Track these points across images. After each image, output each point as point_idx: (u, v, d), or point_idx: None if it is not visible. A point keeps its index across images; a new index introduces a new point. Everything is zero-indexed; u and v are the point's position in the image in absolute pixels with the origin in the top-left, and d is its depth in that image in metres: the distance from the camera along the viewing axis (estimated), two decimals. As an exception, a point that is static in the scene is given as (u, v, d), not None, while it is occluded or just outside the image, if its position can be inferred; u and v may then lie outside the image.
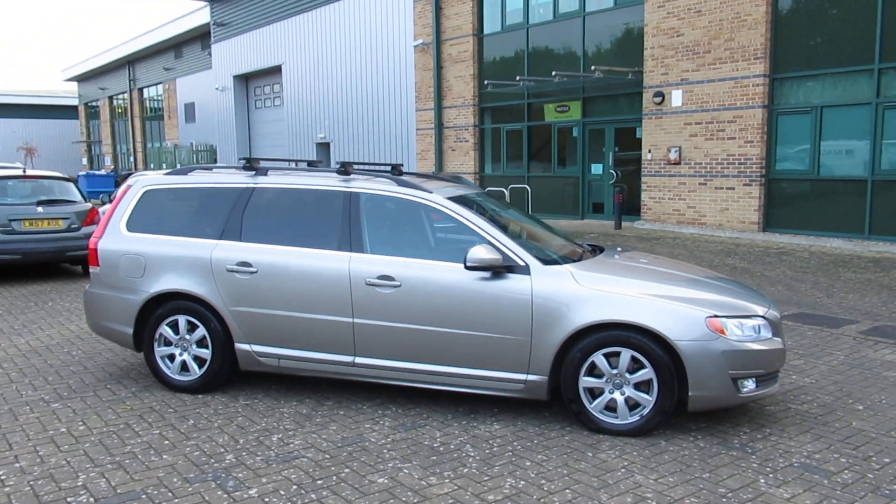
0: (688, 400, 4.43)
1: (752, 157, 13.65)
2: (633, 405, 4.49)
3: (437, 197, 4.94)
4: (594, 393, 4.56)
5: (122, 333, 5.41)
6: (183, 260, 5.20)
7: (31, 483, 3.81)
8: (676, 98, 14.67)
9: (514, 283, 4.60)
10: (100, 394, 5.27)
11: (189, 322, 5.22)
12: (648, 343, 4.39)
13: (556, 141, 17.82)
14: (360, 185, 5.10)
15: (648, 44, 15.05)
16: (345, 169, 5.25)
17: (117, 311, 5.38)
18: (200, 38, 34.35)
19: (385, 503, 3.62)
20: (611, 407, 4.53)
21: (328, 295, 4.88)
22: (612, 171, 16.30)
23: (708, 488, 3.80)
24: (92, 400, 5.14)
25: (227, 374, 5.24)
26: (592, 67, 15.02)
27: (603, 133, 16.77)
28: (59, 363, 6.07)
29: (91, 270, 5.49)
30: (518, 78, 16.88)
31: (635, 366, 4.45)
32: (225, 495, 3.68)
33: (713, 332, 4.37)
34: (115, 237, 5.44)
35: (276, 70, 27.45)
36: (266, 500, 3.63)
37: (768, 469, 4.04)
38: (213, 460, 4.11)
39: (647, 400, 4.44)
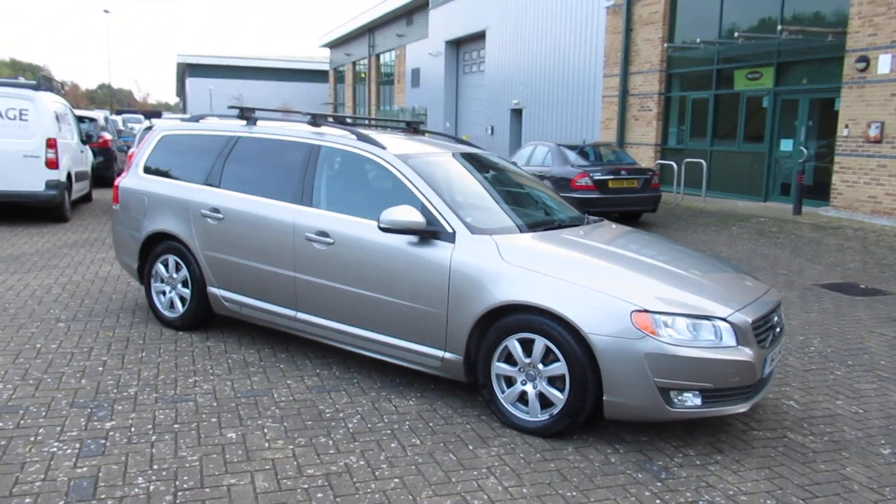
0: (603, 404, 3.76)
1: (972, 137, 11.06)
2: (546, 402, 3.91)
3: (388, 153, 4.63)
4: (511, 382, 4.04)
5: (131, 267, 5.85)
6: (173, 202, 5.46)
7: (-38, 386, 4.28)
8: (884, 64, 12.29)
9: (436, 250, 4.19)
10: (106, 320, 5.76)
11: (177, 262, 5.49)
12: (562, 332, 3.76)
13: (743, 112, 15.90)
14: (325, 138, 4.95)
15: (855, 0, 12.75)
16: (315, 121, 5.12)
17: (128, 246, 5.82)
18: (428, 5, 35.55)
19: (207, 456, 3.53)
20: (525, 400, 3.99)
21: (276, 246, 4.84)
22: (801, 147, 14.18)
23: (554, 508, 3.20)
24: (93, 324, 5.64)
25: (203, 314, 5.44)
26: (779, 28, 13.08)
27: (796, 104, 14.62)
28: (110, 290, 6.74)
29: (113, 207, 5.98)
30: (699, 40, 15.26)
31: (551, 358, 3.85)
32: (83, 422, 3.84)
33: (638, 330, 3.63)
34: (133, 178, 5.86)
35: (481, 35, 27.63)
36: (111, 433, 3.73)
37: (658, 502, 3.30)
38: (115, 391, 4.30)
39: (559, 398, 3.83)
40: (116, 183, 5.96)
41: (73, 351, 4.98)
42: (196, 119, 5.82)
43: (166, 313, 5.59)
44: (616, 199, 12.49)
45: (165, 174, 5.68)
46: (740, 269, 4.76)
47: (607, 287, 3.79)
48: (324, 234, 4.60)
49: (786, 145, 14.94)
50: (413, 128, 6.00)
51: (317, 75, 62.50)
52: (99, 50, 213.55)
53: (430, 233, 4.23)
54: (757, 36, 14.12)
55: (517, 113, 25.18)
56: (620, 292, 3.75)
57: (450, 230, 4.21)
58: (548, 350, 3.84)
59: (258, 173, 5.18)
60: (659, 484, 3.47)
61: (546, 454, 3.72)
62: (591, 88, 20.76)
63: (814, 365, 5.38)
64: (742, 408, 3.83)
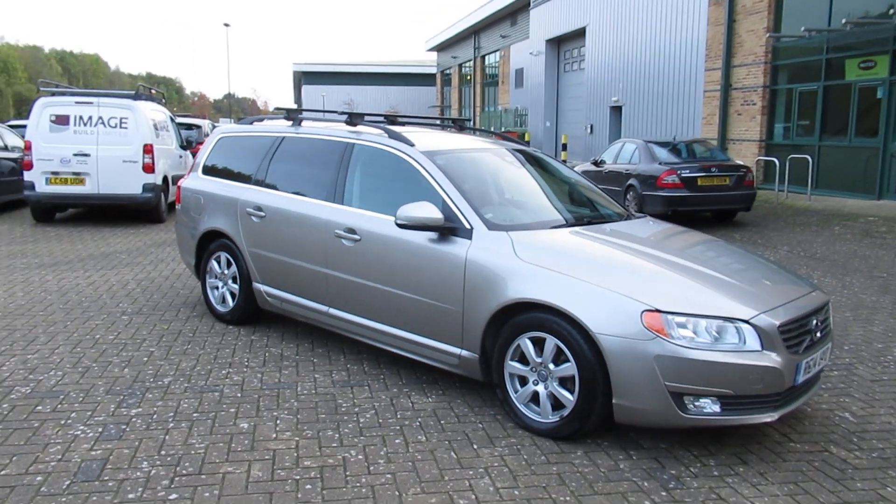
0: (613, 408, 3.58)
1: None
2: (558, 403, 3.77)
3: (414, 150, 4.62)
4: (524, 381, 3.93)
5: (190, 263, 6.14)
6: (224, 201, 5.69)
7: (12, 370, 4.61)
8: None
9: (454, 246, 4.15)
10: (167, 314, 6.07)
11: (228, 259, 5.72)
12: (572, 332, 3.62)
13: (855, 104, 14.75)
14: (359, 136, 5.00)
15: (980, -25, 11.54)
16: (352, 120, 5.18)
17: (187, 243, 6.11)
18: (529, 4, 35.28)
19: (214, 444, 3.64)
20: (538, 400, 3.87)
21: (310, 243, 4.94)
22: (920, 141, 13.00)
23: (541, 513, 3.07)
24: (153, 317, 5.96)
25: (251, 309, 5.63)
26: (890, 11, 12.04)
27: (915, 93, 13.41)
28: (179, 286, 7.10)
29: (176, 207, 6.30)
30: (803, 29, 14.29)
31: (562, 358, 3.72)
32: (112, 408, 4.05)
33: (648, 331, 3.44)
34: (194, 179, 6.16)
35: (580, 33, 27.12)
36: (134, 420, 3.91)
37: (656, 512, 3.11)
38: (152, 380, 4.52)
39: (570, 400, 3.69)
40: (179, 183, 6.28)
41: (126, 342, 5.28)
42: (250, 121, 6.04)
43: (219, 308, 5.83)
44: (706, 197, 11.91)
45: (220, 174, 5.93)
46: (786, 270, 4.41)
47: (620, 285, 3.61)
48: (351, 230, 4.65)
49: (903, 138, 13.74)
50: (459, 125, 5.98)
51: (424, 79, 63.35)
52: (224, 61, 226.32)
53: (447, 229, 4.18)
54: (869, 22, 13.06)
55: (616, 111, 24.54)
56: (633, 291, 3.57)
57: (468, 226, 4.15)
58: (559, 350, 3.71)
59: (298, 172, 5.31)
60: (664, 493, 3.26)
61: (552, 457, 3.59)
62: (692, 84, 19.92)
63: (886, 376, 4.92)
64: (769, 417, 3.54)
